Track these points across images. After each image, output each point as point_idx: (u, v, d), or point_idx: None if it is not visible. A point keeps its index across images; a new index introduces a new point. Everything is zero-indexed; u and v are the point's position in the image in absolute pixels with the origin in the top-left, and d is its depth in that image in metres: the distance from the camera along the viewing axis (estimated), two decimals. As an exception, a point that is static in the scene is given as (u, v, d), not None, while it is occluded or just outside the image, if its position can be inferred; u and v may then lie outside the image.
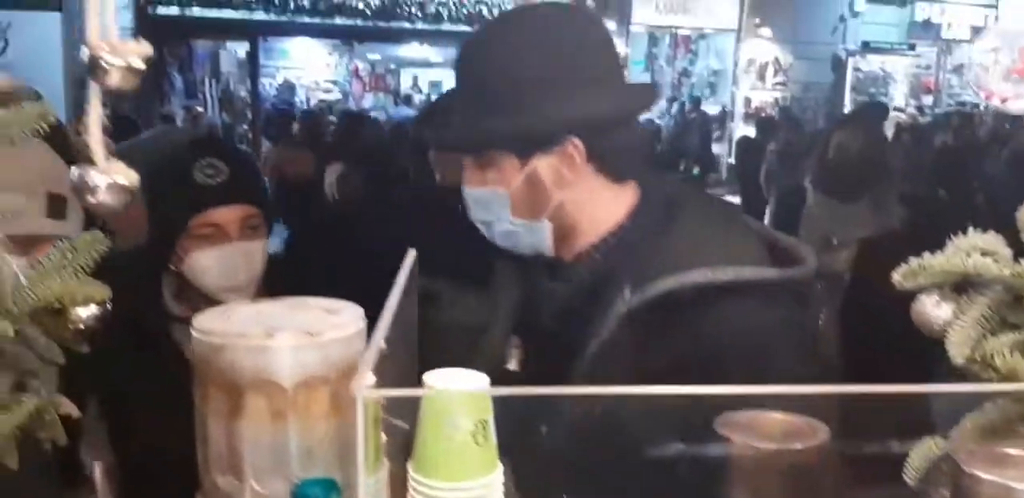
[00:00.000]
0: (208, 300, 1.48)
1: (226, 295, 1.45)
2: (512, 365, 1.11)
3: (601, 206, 1.07)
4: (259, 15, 9.92)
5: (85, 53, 0.44)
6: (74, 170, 0.50)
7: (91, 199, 0.49)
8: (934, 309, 1.20)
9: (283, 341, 0.68)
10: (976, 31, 13.65)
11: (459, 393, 0.57)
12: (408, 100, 12.96)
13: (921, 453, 1.15)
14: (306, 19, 10.08)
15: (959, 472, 0.73)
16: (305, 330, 0.69)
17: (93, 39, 0.44)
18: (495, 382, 1.12)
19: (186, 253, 1.44)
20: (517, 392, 0.51)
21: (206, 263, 1.43)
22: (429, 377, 0.59)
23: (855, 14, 13.20)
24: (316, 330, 0.69)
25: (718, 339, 0.95)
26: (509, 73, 1.02)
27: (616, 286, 1.00)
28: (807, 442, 0.72)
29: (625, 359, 0.98)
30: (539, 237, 1.08)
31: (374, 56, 13.76)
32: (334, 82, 13.17)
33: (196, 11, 9.65)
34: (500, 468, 0.60)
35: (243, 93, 12.05)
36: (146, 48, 0.47)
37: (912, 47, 13.98)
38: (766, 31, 12.77)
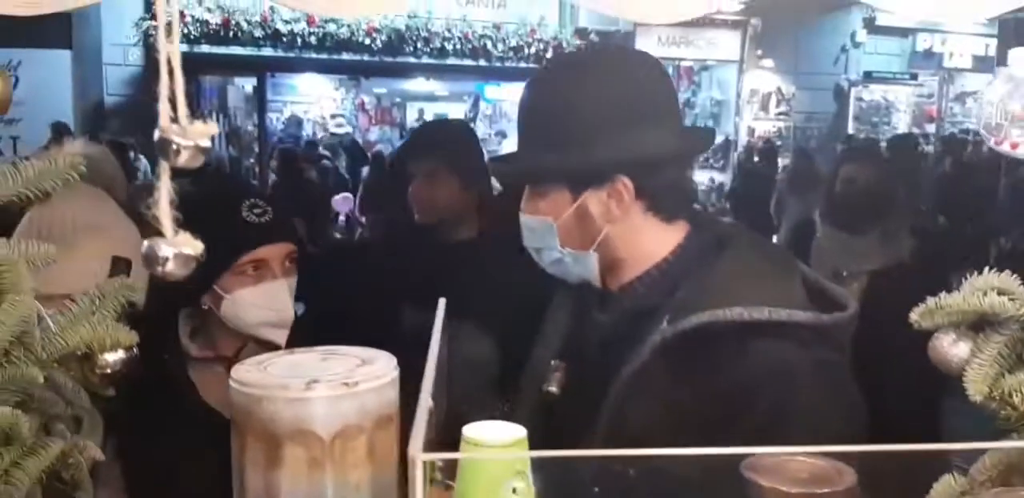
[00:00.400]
0: (228, 339, 1.50)
1: (268, 331, 1.47)
2: (553, 387, 1.13)
3: (648, 241, 1.12)
4: (267, 51, 10.07)
5: (156, 135, 0.47)
6: (145, 243, 0.53)
7: (159, 269, 0.52)
8: (951, 347, 1.21)
9: (322, 392, 0.70)
10: (978, 60, 13.77)
11: (501, 450, 0.58)
12: (415, 133, 13.07)
13: (942, 490, 1.15)
14: (313, 55, 10.23)
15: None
16: (342, 380, 0.71)
17: (164, 122, 0.47)
18: (535, 403, 1.14)
19: (228, 291, 1.46)
20: (559, 455, 0.53)
21: (253, 300, 1.46)
22: (469, 430, 0.60)
23: (857, 45, 13.34)
24: (353, 380, 0.71)
25: (746, 376, 0.97)
26: (567, 112, 1.07)
27: (655, 318, 1.04)
28: (834, 486, 0.73)
29: (655, 389, 1.01)
30: (586, 267, 1.12)
31: (380, 90, 13.93)
32: (341, 116, 13.31)
33: (205, 48, 9.80)
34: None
35: (250, 127, 12.19)
36: (213, 128, 0.50)
37: (914, 76, 14.09)
38: (768, 62, 12.90)
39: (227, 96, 12.23)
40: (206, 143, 0.49)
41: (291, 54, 10.19)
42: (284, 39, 10.01)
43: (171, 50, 0.48)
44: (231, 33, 9.72)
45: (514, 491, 0.57)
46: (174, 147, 0.48)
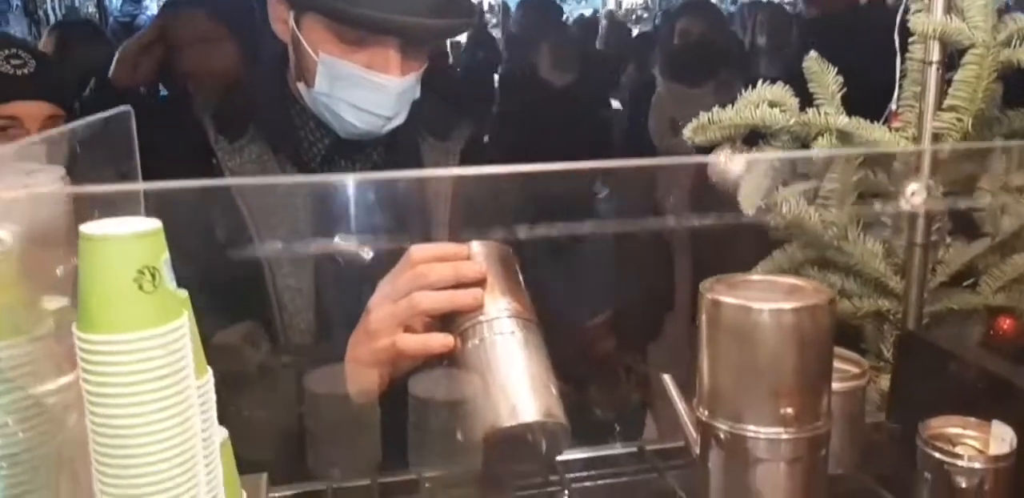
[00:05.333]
0: None
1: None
2: None
3: None
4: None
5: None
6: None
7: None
8: (728, 163, 1.20)
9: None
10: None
11: (115, 239, 0.49)
12: None
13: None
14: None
15: (706, 300, 0.72)
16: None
17: None
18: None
19: None
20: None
21: None
22: (86, 227, 0.50)
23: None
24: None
25: None
26: None
27: None
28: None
29: None
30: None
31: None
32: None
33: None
34: (184, 316, 0.53)
35: (91, 9, 11.14)
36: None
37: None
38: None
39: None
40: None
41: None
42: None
43: None
44: None
45: (136, 283, 0.49)
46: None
